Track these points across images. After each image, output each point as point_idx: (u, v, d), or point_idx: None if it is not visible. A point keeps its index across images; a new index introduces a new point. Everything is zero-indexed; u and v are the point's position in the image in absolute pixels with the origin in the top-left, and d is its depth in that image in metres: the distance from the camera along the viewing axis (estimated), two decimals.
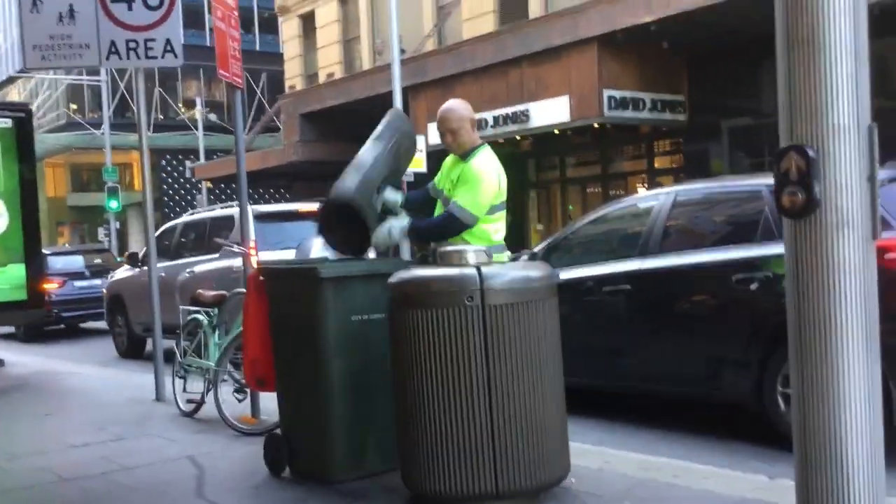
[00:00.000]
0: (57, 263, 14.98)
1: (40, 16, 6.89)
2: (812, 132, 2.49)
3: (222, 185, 30.94)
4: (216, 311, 6.03)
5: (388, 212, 4.32)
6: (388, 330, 3.63)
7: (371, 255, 4.52)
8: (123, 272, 11.91)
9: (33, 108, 9.98)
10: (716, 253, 5.24)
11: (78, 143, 36.73)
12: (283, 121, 25.04)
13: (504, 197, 4.29)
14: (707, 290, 5.38)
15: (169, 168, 37.38)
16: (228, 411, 5.53)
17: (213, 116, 34.12)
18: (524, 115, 16.01)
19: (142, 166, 7.27)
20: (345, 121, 21.31)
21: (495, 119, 16.50)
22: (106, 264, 15.89)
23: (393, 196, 4.30)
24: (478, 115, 18.36)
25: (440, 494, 3.39)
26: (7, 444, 5.53)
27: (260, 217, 8.88)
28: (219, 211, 10.58)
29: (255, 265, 8.69)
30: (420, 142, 15.32)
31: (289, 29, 26.75)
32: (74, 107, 39.36)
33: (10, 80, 41.82)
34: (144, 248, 12.03)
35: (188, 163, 33.00)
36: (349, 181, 4.15)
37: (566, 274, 6.02)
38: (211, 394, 5.71)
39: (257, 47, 38.53)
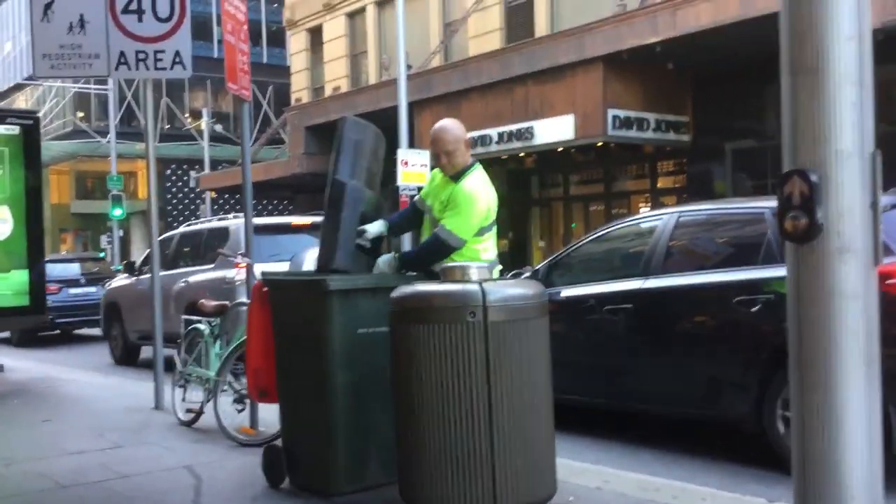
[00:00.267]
0: (53, 270, 15.08)
1: (51, 25, 6.94)
2: (815, 158, 2.51)
3: (226, 196, 31.02)
4: (217, 320, 6.04)
5: (379, 240, 4.38)
6: (390, 344, 3.64)
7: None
8: (121, 280, 12.10)
9: (40, 115, 10.03)
10: (717, 274, 5.26)
11: (83, 151, 36.85)
12: (288, 133, 25.14)
13: (493, 217, 4.25)
14: (708, 311, 5.39)
15: (174, 178, 37.50)
16: (227, 422, 5.54)
17: (219, 127, 34.23)
18: (528, 133, 16.07)
19: (148, 176, 7.31)
20: None
21: (500, 136, 16.57)
22: (101, 272, 16.27)
23: (376, 229, 4.32)
24: (482, 132, 18.50)
25: None
26: (5, 450, 5.53)
27: (254, 230, 8.98)
28: (215, 223, 10.79)
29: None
30: (424, 157, 15.38)
31: (296, 42, 26.90)
32: (81, 115, 39.54)
33: (18, 87, 42.04)
34: (142, 257, 12.28)
35: (193, 173, 33.10)
36: (336, 259, 4.23)
37: (568, 292, 6.04)
38: (210, 404, 5.72)
39: (265, 60, 38.76)
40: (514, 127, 16.29)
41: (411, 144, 15.80)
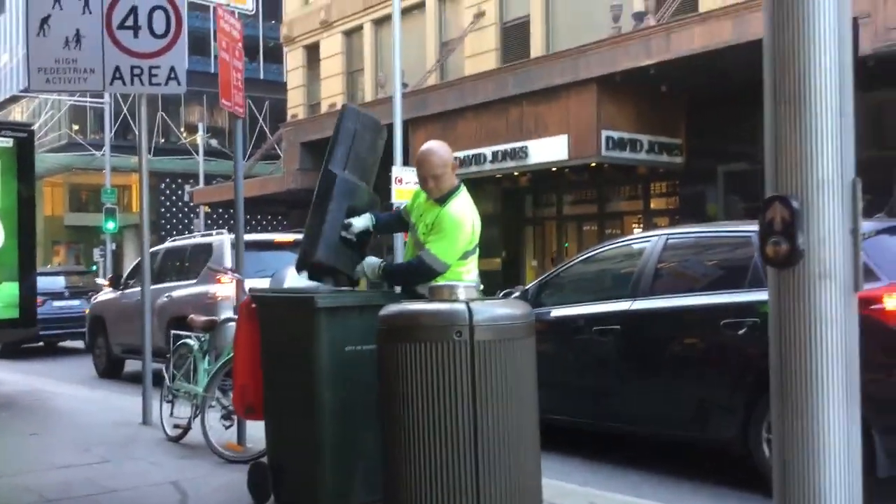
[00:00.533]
0: (38, 283, 15.06)
1: (47, 39, 6.98)
2: (797, 184, 2.54)
3: (220, 210, 30.99)
4: (207, 336, 6.04)
5: (365, 234, 4.37)
6: (377, 362, 3.65)
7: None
8: (106, 294, 12.27)
9: (35, 127, 10.10)
10: (705, 297, 5.30)
11: (78, 164, 36.87)
12: (283, 149, 25.21)
13: (477, 241, 4.23)
14: (695, 333, 5.42)
15: (168, 192, 37.51)
16: (215, 438, 5.53)
17: (214, 142, 34.30)
18: (523, 152, 16.15)
19: (140, 189, 7.34)
20: None
21: (494, 155, 16.65)
22: (85, 286, 16.51)
23: (362, 223, 4.33)
24: (477, 151, 18.56)
25: None
26: None
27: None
28: (199, 239, 11.04)
29: (228, 293, 9.06)
30: (414, 174, 15.40)
31: (293, 59, 27.05)
32: (76, 127, 39.57)
33: (14, 99, 42.09)
34: (127, 271, 12.42)
35: (187, 187, 33.12)
36: (315, 244, 4.26)
37: (557, 312, 6.07)
38: (198, 419, 5.71)
39: (261, 76, 38.90)
40: (508, 146, 16.37)
41: (406, 162, 15.85)
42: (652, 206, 17.65)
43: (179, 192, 36.22)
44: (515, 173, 17.27)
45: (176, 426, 6.05)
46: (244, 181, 6.47)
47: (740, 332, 4.95)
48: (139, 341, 10.51)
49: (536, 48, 18.41)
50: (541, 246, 19.99)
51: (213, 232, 11.20)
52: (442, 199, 4.17)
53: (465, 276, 4.15)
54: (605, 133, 15.01)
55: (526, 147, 16.08)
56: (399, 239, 13.01)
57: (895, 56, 10.93)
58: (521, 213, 19.90)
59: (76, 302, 15.21)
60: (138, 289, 10.72)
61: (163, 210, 37.00)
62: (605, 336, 5.72)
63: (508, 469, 3.38)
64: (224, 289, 9.14)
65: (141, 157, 7.39)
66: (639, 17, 15.89)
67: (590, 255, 6.60)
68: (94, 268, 28.68)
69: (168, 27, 7.00)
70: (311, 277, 4.38)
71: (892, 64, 11.11)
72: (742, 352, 4.98)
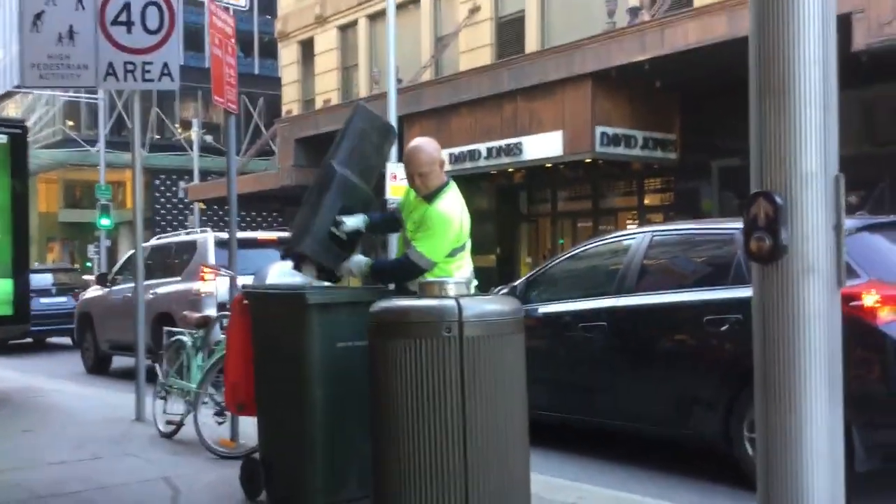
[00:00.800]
0: None
1: (40, 35, 6.97)
2: (781, 179, 2.56)
3: (215, 207, 30.97)
4: (200, 332, 6.05)
5: (356, 234, 4.37)
6: (368, 358, 3.66)
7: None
8: (93, 292, 12.48)
9: (30, 123, 10.13)
10: (688, 294, 5.34)
11: (72, 160, 36.78)
12: (278, 145, 25.17)
13: (466, 238, 4.21)
14: (678, 330, 5.45)
15: (163, 188, 37.43)
16: (208, 434, 5.54)
17: (209, 138, 34.24)
18: (517, 149, 16.16)
19: (134, 186, 7.34)
20: None
21: (489, 151, 16.65)
22: (72, 283, 16.95)
23: (354, 222, 4.33)
24: (471, 147, 18.55)
25: None
26: None
27: (221, 244, 9.76)
28: (183, 237, 11.27)
29: (211, 289, 9.31)
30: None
31: (288, 54, 26.99)
32: (71, 123, 39.46)
33: (8, 95, 41.97)
34: (114, 269, 12.59)
35: (182, 183, 33.07)
36: (301, 234, 4.29)
37: (544, 309, 6.09)
38: (191, 416, 5.72)
39: (256, 71, 38.82)
40: (502, 142, 16.38)
41: (400, 158, 15.85)
42: (646, 202, 17.68)
43: (174, 188, 36.15)
44: (510, 170, 17.28)
45: (169, 422, 6.06)
46: (238, 178, 6.49)
47: (723, 328, 4.99)
48: (126, 338, 10.82)
49: (531, 43, 18.40)
50: (535, 242, 20.01)
51: (198, 230, 11.41)
52: (430, 197, 4.15)
53: (456, 273, 4.13)
54: (599, 129, 15.02)
55: (520, 143, 16.09)
56: (394, 237, 13.04)
57: (889, 51, 10.96)
58: (515, 210, 19.91)
59: (63, 299, 15.52)
60: (125, 286, 11.13)
61: (157, 206, 36.93)
62: (592, 332, 5.76)
63: (498, 464, 3.40)
64: (207, 286, 9.48)
65: (134, 153, 7.39)
66: (633, 12, 15.89)
67: (576, 251, 6.64)
68: (89, 264, 28.65)
69: (161, 23, 6.99)
70: (295, 267, 4.39)
71: (885, 59, 11.13)
72: (724, 348, 5.03)
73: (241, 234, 10.72)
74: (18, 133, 9.03)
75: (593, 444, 5.99)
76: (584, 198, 18.78)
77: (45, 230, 40.61)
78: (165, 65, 7.08)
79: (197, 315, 6.18)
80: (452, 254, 4.13)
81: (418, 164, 4.14)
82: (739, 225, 5.26)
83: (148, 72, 7.00)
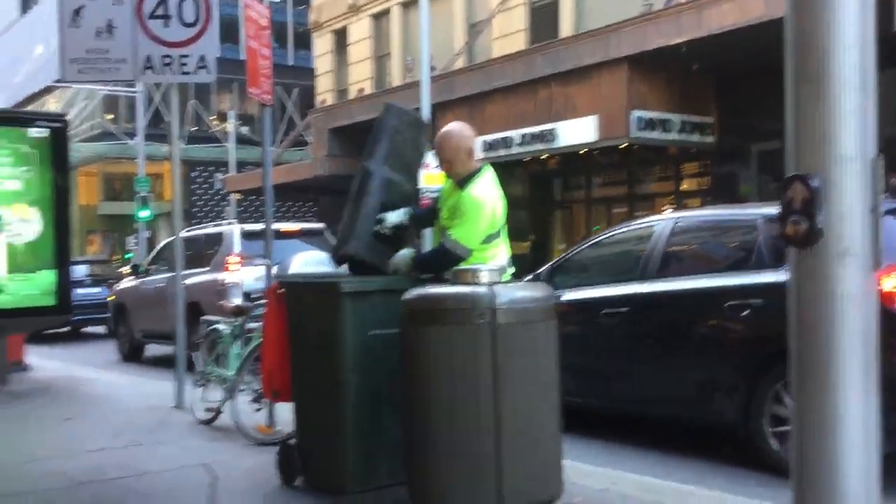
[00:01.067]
0: None
1: (79, 30, 7.09)
2: (817, 162, 2.52)
3: (252, 198, 31.26)
4: (238, 321, 6.12)
5: (401, 229, 4.38)
6: (400, 345, 3.69)
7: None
8: (127, 282, 12.91)
9: (70, 117, 10.32)
10: (710, 279, 5.36)
11: (111, 153, 37.33)
12: (312, 135, 25.32)
13: (501, 224, 4.18)
14: (700, 315, 5.46)
15: (199, 180, 37.86)
16: (245, 420, 5.62)
17: (245, 129, 34.54)
18: (551, 135, 16.06)
19: (173, 178, 7.44)
20: None
21: (522, 137, 16.57)
22: (105, 274, 17.71)
23: (396, 217, 4.33)
24: (504, 134, 18.43)
25: None
26: (27, 448, 5.66)
27: (247, 235, 10.27)
28: (211, 228, 11.70)
29: (237, 280, 9.64)
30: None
31: (321, 44, 27.09)
32: (110, 117, 40.06)
33: (48, 90, 42.66)
34: (146, 260, 12.99)
35: (218, 175, 33.41)
36: (347, 236, 4.33)
37: (568, 296, 6.08)
38: (229, 403, 5.80)
39: (290, 62, 39.01)
40: (536, 129, 16.29)
41: (434, 147, 15.86)
42: (683, 187, 17.47)
43: (211, 180, 36.54)
44: (544, 156, 17.18)
45: (207, 409, 6.15)
46: (273, 168, 6.54)
47: (743, 313, 5.00)
48: (159, 326, 11.23)
49: (566, 28, 18.24)
50: (569, 229, 19.90)
51: (224, 222, 11.76)
52: (462, 183, 4.13)
53: (492, 260, 4.09)
54: (635, 113, 14.85)
55: (554, 129, 15.98)
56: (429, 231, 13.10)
57: None
58: (549, 197, 19.81)
59: (97, 289, 16.05)
60: (157, 276, 11.50)
61: (194, 198, 37.38)
62: (614, 319, 5.78)
63: (530, 449, 3.41)
64: (233, 276, 9.85)
65: (173, 145, 7.49)
66: None
67: (600, 238, 6.69)
68: (130, 256, 29.10)
69: (198, 16, 7.06)
70: (351, 270, 4.44)
71: None
72: (745, 333, 5.05)
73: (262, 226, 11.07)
74: (59, 127, 9.19)
75: (620, 431, 5.97)
76: (619, 183, 18.62)
77: (86, 223, 41.32)
78: (202, 57, 7.16)
79: (233, 304, 6.26)
80: (487, 240, 4.09)
81: (441, 150, 4.17)
82: (761, 211, 5.42)
83: (185, 65, 7.09)
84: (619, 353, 5.79)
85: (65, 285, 8.98)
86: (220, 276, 10.10)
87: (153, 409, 6.90)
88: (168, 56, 7.08)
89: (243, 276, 9.86)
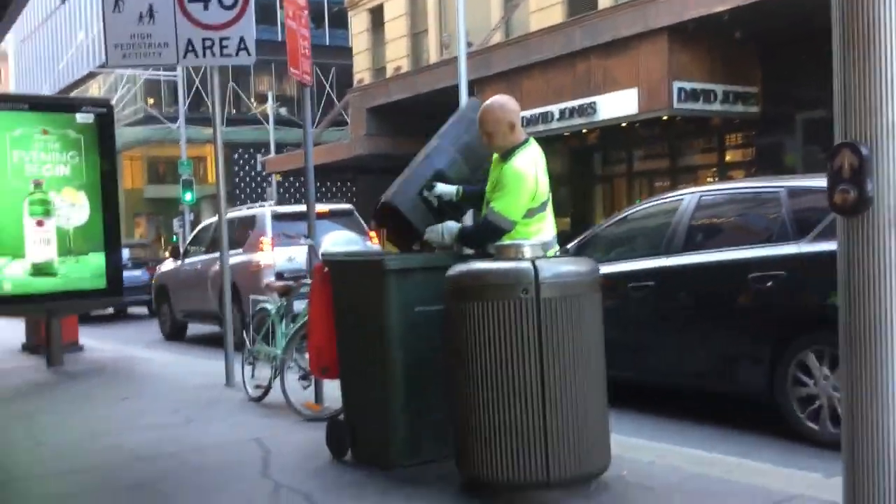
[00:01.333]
0: None
1: (122, 15, 7.20)
2: (866, 130, 2.49)
3: (291, 179, 31.54)
4: (284, 300, 6.22)
5: (448, 204, 4.40)
6: (445, 321, 3.72)
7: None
8: (169, 264, 13.38)
9: (112, 102, 10.51)
10: (734, 252, 5.42)
11: (154, 137, 37.92)
12: (350, 115, 25.39)
13: (544, 198, 4.13)
14: (725, 287, 5.51)
15: (241, 161, 38.28)
16: (294, 397, 5.73)
17: (283, 111, 34.78)
18: (591, 108, 15.91)
19: (216, 160, 7.54)
20: (411, 115, 21.48)
21: (561, 112, 16.44)
22: (146, 257, 18.68)
23: (446, 189, 4.35)
24: (543, 109, 18.25)
25: (493, 481, 3.49)
26: (88, 425, 5.85)
27: (277, 217, 10.76)
28: (245, 211, 12.21)
29: (270, 261, 9.94)
30: None
31: (358, 23, 27.08)
32: (151, 101, 40.61)
33: (91, 75, 43.37)
34: (186, 242, 13.45)
35: (259, 156, 33.74)
36: (391, 189, 4.40)
37: None
38: (277, 380, 5.92)
39: (327, 42, 39.08)
40: (575, 103, 16.14)
41: None
42: (727, 158, 17.20)
43: (252, 161, 36.92)
44: (584, 131, 17.03)
45: (257, 387, 6.28)
46: (313, 148, 6.60)
47: (767, 285, 5.09)
48: (199, 306, 11.55)
49: None
50: (610, 204, 19.74)
51: (257, 204, 12.15)
52: (506, 156, 4.12)
53: (536, 235, 4.06)
54: (676, 84, 14.64)
55: (594, 103, 15.83)
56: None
57: None
58: (590, 171, 19.65)
59: (138, 272, 16.59)
60: (196, 258, 11.95)
61: (236, 180, 37.81)
62: (641, 292, 5.85)
63: (576, 422, 3.44)
64: (265, 257, 10.29)
65: (215, 128, 7.59)
66: None
67: (626, 214, 6.75)
68: (175, 238, 29.61)
69: None
70: (386, 226, 4.49)
71: None
72: (769, 304, 5.12)
73: (294, 208, 11.39)
74: (104, 112, 9.38)
75: (671, 406, 5.96)
76: (660, 156, 18.39)
77: (132, 206, 42.07)
78: (242, 39, 7.25)
79: (280, 283, 6.36)
80: (530, 214, 4.06)
81: (483, 123, 4.15)
82: (785, 183, 5.51)
83: (225, 47, 7.18)
84: (645, 326, 5.88)
85: (115, 268, 9.20)
86: (253, 257, 10.48)
87: (205, 387, 7.06)
88: (209, 39, 7.17)
89: (275, 257, 10.13)
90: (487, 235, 4.07)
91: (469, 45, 16.83)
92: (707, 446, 4.69)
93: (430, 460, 4.07)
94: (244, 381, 6.49)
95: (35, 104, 9.40)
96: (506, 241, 3.93)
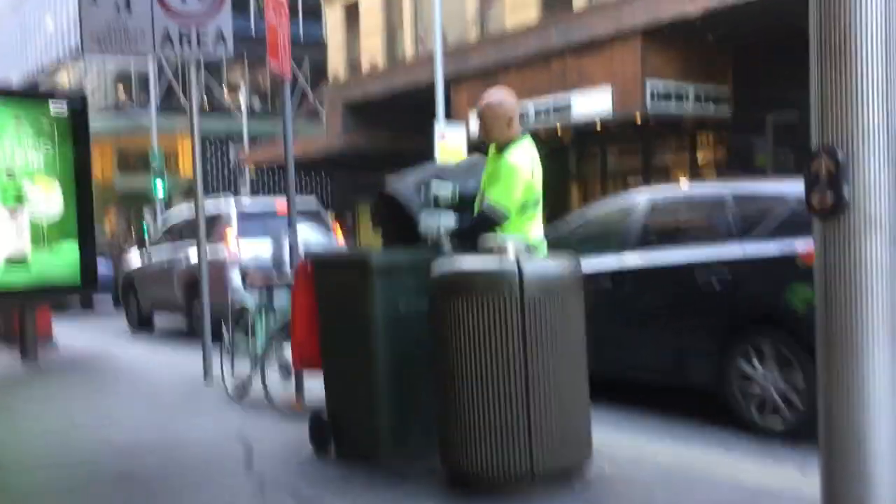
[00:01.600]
0: None
1: (98, 4, 7.15)
2: (842, 135, 2.59)
3: (266, 171, 31.34)
4: (264, 295, 6.22)
5: (444, 205, 4.43)
6: (429, 318, 3.78)
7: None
8: (135, 256, 13.40)
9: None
10: (684, 252, 5.74)
11: (125, 128, 37.44)
12: (325, 109, 25.31)
13: (537, 195, 4.27)
14: (674, 286, 5.82)
15: (213, 153, 37.93)
16: (274, 393, 5.75)
17: (256, 102, 34.51)
18: (566, 107, 16.03)
19: (193, 153, 7.52)
20: (387, 110, 21.49)
21: (536, 111, 16.54)
22: (107, 249, 18.64)
23: (442, 188, 4.39)
24: (519, 107, 18.36)
25: (478, 475, 3.55)
26: (69, 419, 5.82)
27: (242, 214, 10.85)
28: (211, 207, 11.91)
29: (235, 256, 9.97)
30: (461, 133, 15.47)
31: (333, 16, 26.97)
32: (122, 91, 40.11)
33: (60, 64, 42.70)
34: (152, 235, 13.44)
35: (232, 147, 33.47)
36: (393, 185, 4.53)
37: None
38: (258, 376, 5.93)
39: (301, 34, 38.85)
40: (551, 102, 16.25)
41: (448, 115, 15.89)
42: (699, 159, 17.43)
43: (220, 152, 36.60)
44: (559, 132, 17.16)
45: (237, 382, 6.28)
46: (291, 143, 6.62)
47: (714, 283, 5.43)
48: (164, 297, 11.48)
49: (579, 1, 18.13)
50: (584, 203, 19.89)
51: (222, 199, 12.43)
52: (501, 150, 4.27)
53: (528, 231, 4.18)
54: (649, 85, 14.82)
55: (569, 102, 15.95)
56: None
57: None
58: (564, 170, 19.78)
59: (102, 265, 16.52)
60: (164, 251, 11.94)
61: (208, 171, 37.44)
62: (598, 290, 6.02)
63: (559, 416, 3.52)
64: (232, 252, 10.31)
65: (192, 121, 7.55)
66: None
67: (583, 213, 7.09)
68: (146, 230, 29.32)
69: None
70: (380, 216, 4.62)
71: None
72: (715, 302, 5.46)
73: (259, 205, 11.43)
74: (79, 102, 9.29)
75: (654, 402, 6.07)
76: (634, 155, 18.58)
77: (102, 198, 41.48)
78: (220, 31, 7.24)
79: (262, 278, 6.36)
80: (524, 209, 4.18)
81: (482, 117, 4.30)
82: (731, 187, 5.87)
83: (203, 39, 7.16)
84: (604, 322, 6.05)
85: (89, 261, 9.12)
86: (218, 250, 10.50)
87: (183, 381, 7.05)
88: (186, 30, 7.15)
89: (241, 252, 10.15)
90: (483, 225, 4.14)
91: (445, 40, 16.86)
92: (688, 442, 4.79)
93: (416, 454, 4.11)
94: (223, 376, 6.48)
95: (7, 93, 9.29)
96: (494, 237, 3.98)
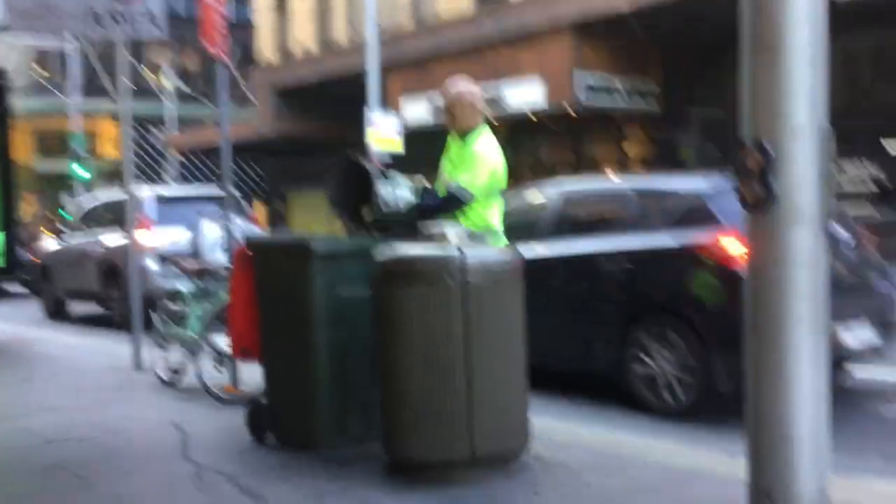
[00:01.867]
0: None
1: None
2: (772, 132, 2.71)
3: (191, 157, 30.66)
4: (198, 282, 6.15)
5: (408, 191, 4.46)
6: (373, 305, 3.81)
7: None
8: (51, 242, 13.15)
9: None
10: (591, 243, 6.07)
11: (45, 109, 36.07)
12: (255, 94, 24.90)
13: (501, 184, 4.44)
14: (581, 275, 6.14)
15: (135, 136, 36.88)
16: (209, 381, 5.69)
17: (182, 85, 33.67)
18: (499, 97, 16.17)
19: (123, 137, 7.35)
20: (318, 97, 21.28)
21: None
22: (29, 236, 18.02)
23: (406, 193, 4.38)
24: None
25: (419, 461, 3.61)
26: None
27: (161, 200, 10.74)
28: (120, 195, 11.62)
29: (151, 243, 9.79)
30: (395, 123, 15.45)
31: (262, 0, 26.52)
32: (42, 71, 38.64)
33: None
34: (70, 221, 13.14)
35: (156, 132, 32.62)
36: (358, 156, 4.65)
37: None
38: (192, 363, 5.86)
39: (233, 17, 38.00)
40: (484, 90, 16.35)
41: (385, 103, 15.85)
42: (629, 152, 17.82)
43: (146, 137, 35.63)
44: (494, 123, 17.28)
45: (169, 370, 6.19)
46: (215, 128, 6.56)
47: (616, 273, 5.80)
48: (81, 285, 11.34)
49: None
50: None
51: (140, 185, 12.15)
52: (464, 136, 4.41)
53: (491, 218, 4.37)
54: (580, 78, 15.07)
55: (502, 92, 16.09)
56: None
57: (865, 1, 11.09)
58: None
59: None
60: (80, 238, 11.72)
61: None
62: None
63: (499, 403, 3.60)
64: (147, 239, 9.97)
65: (121, 103, 7.38)
66: None
67: (511, 204, 7.16)
68: (66, 215, 28.37)
69: None
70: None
71: (863, 8, 11.27)
72: (617, 291, 5.80)
73: (178, 191, 11.27)
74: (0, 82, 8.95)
75: (587, 388, 6.22)
76: (566, 147, 18.88)
77: (21, 182, 39.93)
78: (151, 13, 7.08)
79: (195, 265, 6.27)
80: (488, 195, 4.34)
81: (450, 105, 4.43)
82: (632, 183, 6.34)
83: (135, 20, 6.99)
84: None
85: (12, 246, 8.82)
86: (134, 238, 10.23)
87: (112, 369, 6.90)
88: (117, 11, 6.97)
89: (157, 239, 9.95)
90: (449, 206, 4.27)
91: (379, 28, 16.78)
92: (620, 426, 4.97)
93: (356, 442, 4.14)
94: (155, 364, 6.38)
95: None
96: (437, 224, 4.02)
